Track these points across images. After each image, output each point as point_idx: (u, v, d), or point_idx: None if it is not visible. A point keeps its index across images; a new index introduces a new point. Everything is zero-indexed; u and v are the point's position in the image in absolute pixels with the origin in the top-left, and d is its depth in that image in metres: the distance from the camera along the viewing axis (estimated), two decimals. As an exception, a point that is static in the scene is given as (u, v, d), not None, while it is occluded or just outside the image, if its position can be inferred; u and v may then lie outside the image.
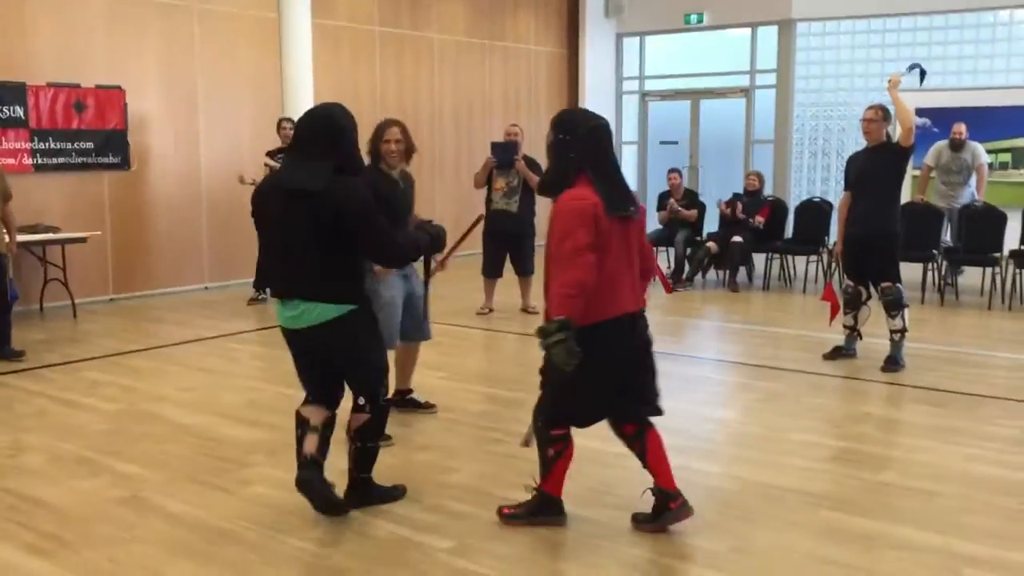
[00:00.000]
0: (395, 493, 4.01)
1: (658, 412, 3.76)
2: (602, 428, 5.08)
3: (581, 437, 4.85)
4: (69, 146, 8.98)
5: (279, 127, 9.16)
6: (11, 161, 8.39)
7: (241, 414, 5.29)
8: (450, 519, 3.82)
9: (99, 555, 3.50)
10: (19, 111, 8.59)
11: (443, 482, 4.21)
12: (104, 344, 7.36)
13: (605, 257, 3.43)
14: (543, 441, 3.72)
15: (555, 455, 3.70)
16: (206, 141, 10.08)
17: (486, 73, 13.59)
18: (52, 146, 8.84)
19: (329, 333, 3.66)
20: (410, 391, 5.39)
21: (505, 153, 8.41)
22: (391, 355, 4.65)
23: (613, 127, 15.86)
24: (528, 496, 3.80)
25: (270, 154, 9.04)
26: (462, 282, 9.40)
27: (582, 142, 3.49)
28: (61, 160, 8.91)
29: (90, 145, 9.12)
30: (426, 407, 5.37)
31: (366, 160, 4.46)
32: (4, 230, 6.85)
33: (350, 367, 3.83)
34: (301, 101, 10.32)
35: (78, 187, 9.08)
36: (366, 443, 3.85)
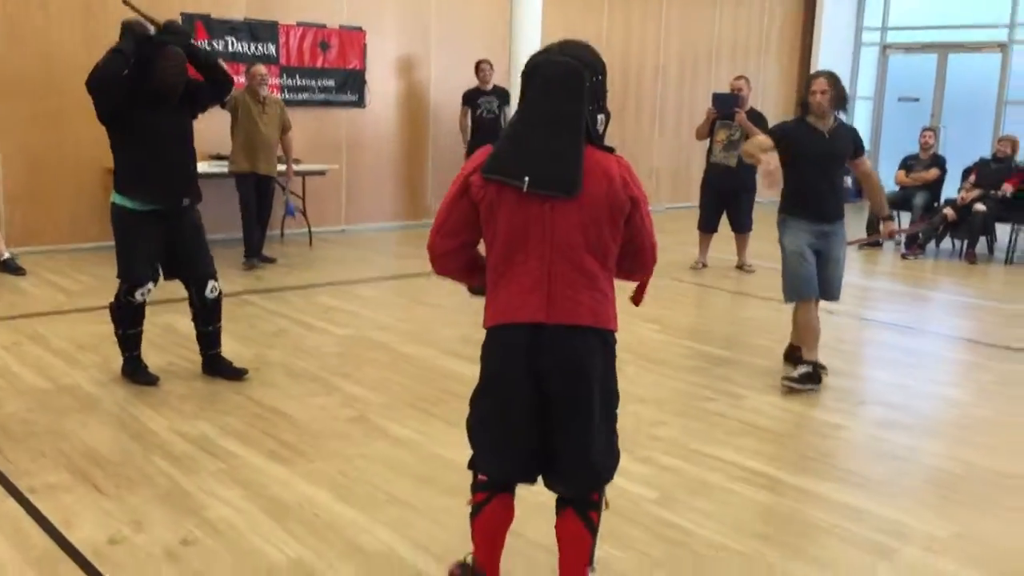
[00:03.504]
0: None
1: (578, 492, 2.64)
2: (815, 394, 4.95)
3: (796, 404, 4.72)
4: (313, 83, 9.56)
5: (478, 68, 9.75)
6: (262, 96, 9.02)
7: (457, 348, 5.52)
8: (658, 471, 3.84)
9: (330, 467, 3.80)
10: (271, 48, 9.20)
11: (654, 435, 4.24)
12: (336, 272, 7.87)
13: (494, 241, 2.53)
14: (471, 485, 2.76)
15: (474, 508, 2.70)
16: (436, 83, 10.42)
17: (715, 21, 13.18)
18: (298, 83, 9.44)
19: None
20: (812, 363, 4.98)
21: (725, 104, 8.17)
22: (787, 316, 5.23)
23: (847, 81, 15.02)
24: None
25: (469, 94, 9.73)
26: (677, 234, 9.30)
27: (522, 85, 2.57)
28: (305, 96, 9.50)
29: (331, 83, 9.67)
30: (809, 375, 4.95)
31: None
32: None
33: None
34: (528, 45, 10.42)
35: (319, 123, 9.65)
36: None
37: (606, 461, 2.61)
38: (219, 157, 8.37)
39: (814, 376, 4.96)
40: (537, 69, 2.50)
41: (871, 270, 9.14)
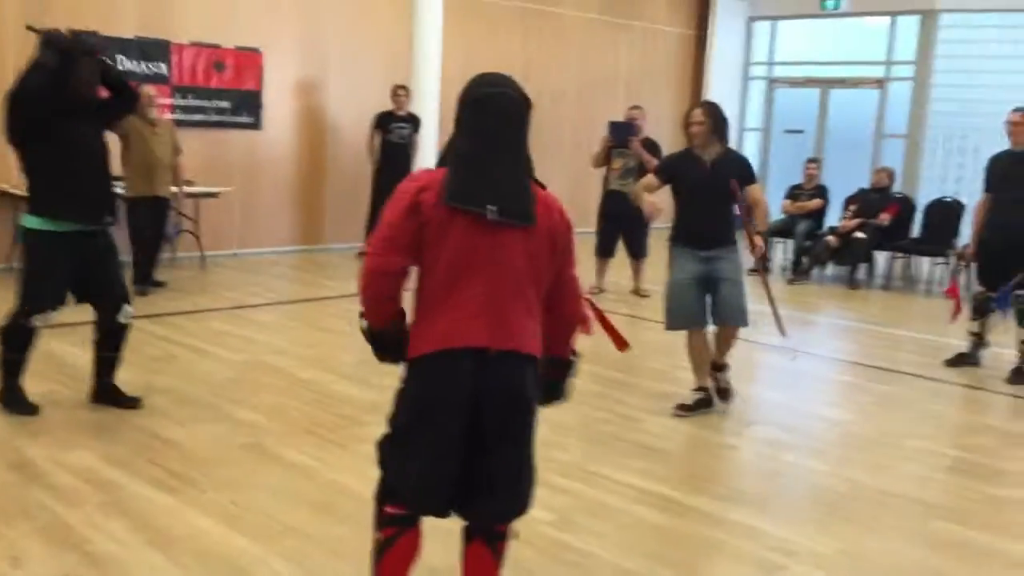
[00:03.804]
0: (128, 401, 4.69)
1: (497, 521, 2.65)
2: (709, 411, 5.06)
3: (689, 425, 4.80)
4: (207, 104, 9.37)
5: (394, 93, 9.71)
6: (153, 115, 8.79)
7: (356, 373, 5.46)
8: (554, 493, 3.87)
9: (222, 497, 3.69)
10: (163, 67, 8.98)
11: (550, 457, 4.25)
12: (229, 296, 7.69)
13: (435, 265, 2.49)
14: (375, 518, 2.68)
15: (384, 543, 2.61)
16: (335, 106, 10.34)
17: (613, 51, 13.49)
18: (191, 103, 9.23)
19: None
20: (704, 389, 5.13)
21: (620, 133, 8.36)
22: (683, 339, 5.14)
23: (736, 113, 15.40)
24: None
25: (381, 117, 9.68)
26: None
27: (464, 113, 2.58)
28: (199, 117, 9.30)
29: (227, 104, 9.49)
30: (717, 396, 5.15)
31: None
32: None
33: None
34: (430, 69, 10.48)
35: (213, 144, 9.45)
36: (100, 354, 4.67)
37: (530, 489, 2.63)
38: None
39: (705, 402, 5.09)
40: (488, 99, 2.54)
41: (759, 294, 9.42)
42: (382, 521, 2.61)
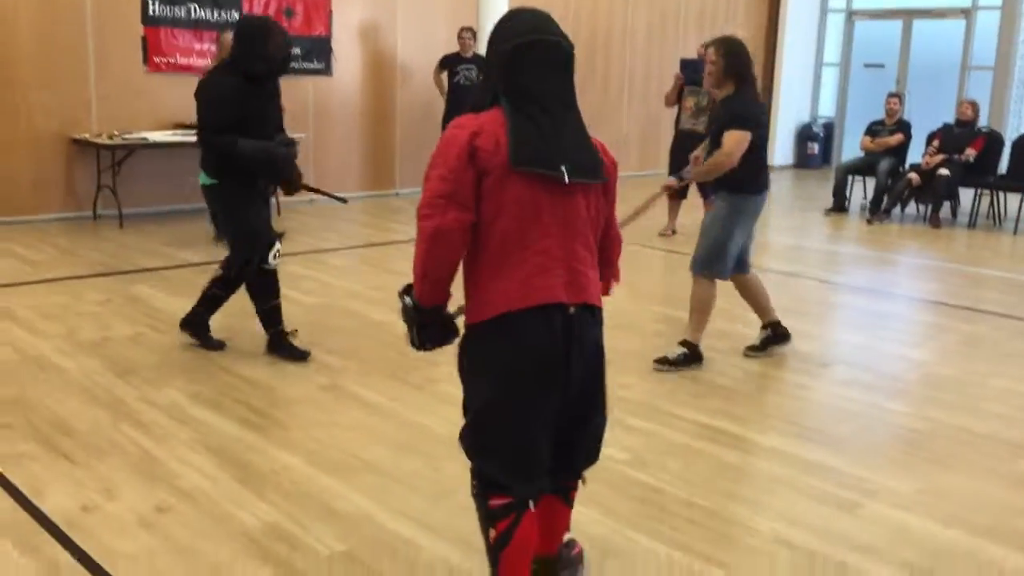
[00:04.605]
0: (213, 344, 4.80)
1: (577, 476, 2.59)
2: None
3: (761, 365, 4.72)
4: (278, 51, 9.41)
5: (459, 35, 9.65)
6: (227, 64, 8.89)
7: (429, 316, 5.51)
8: (627, 433, 3.89)
9: (304, 435, 3.80)
10: (235, 15, 9.05)
11: (620, 396, 4.27)
12: (305, 241, 7.82)
13: (497, 219, 2.29)
14: (481, 516, 2.44)
15: (499, 539, 2.36)
16: (403, 50, 10.33)
17: (683, -13, 13.15)
18: (263, 50, 9.29)
19: (206, 196, 4.77)
20: (769, 325, 5.01)
21: (693, 71, 8.18)
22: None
23: (813, 46, 14.85)
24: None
25: (447, 59, 9.66)
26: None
27: (502, 61, 2.34)
28: (271, 64, 9.35)
29: (297, 50, 9.52)
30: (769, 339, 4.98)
31: None
32: None
33: (222, 229, 4.83)
34: (495, 11, 10.36)
35: (285, 91, 9.43)
36: (212, 290, 4.78)
37: (603, 435, 2.58)
38: (182, 126, 8.26)
39: (772, 339, 4.99)
40: (536, 49, 2.32)
41: (837, 235, 9.24)
42: (492, 516, 2.37)
